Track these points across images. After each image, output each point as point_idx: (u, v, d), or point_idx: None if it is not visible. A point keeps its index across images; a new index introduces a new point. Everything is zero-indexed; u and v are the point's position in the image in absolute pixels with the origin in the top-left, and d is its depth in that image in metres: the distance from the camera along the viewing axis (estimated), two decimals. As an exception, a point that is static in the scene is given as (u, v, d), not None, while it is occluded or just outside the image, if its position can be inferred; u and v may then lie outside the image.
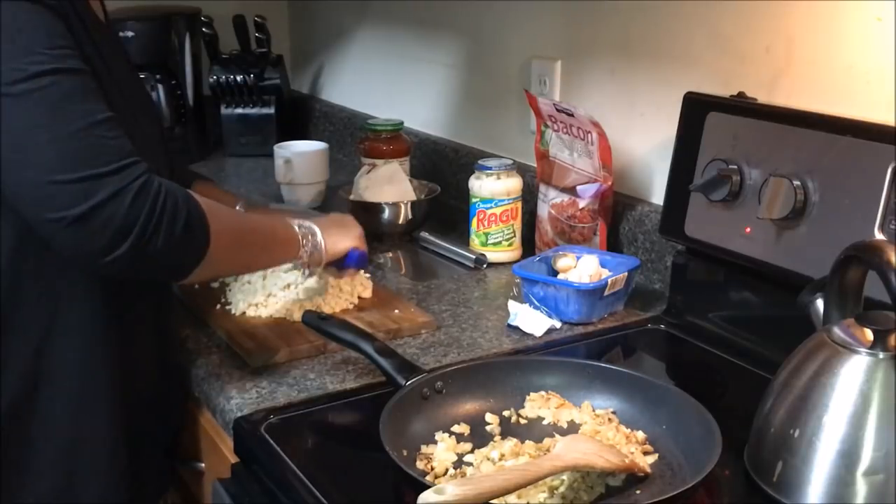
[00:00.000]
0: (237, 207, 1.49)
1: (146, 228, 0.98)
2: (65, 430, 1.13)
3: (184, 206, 1.02)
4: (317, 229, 1.28)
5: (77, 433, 1.14)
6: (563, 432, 1.06)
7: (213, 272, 1.10)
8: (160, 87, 2.32)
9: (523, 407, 1.11)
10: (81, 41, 1.06)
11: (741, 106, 1.30)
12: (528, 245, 1.67)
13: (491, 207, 1.62)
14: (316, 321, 1.24)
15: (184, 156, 2.33)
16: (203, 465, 1.33)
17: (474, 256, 1.63)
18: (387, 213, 1.75)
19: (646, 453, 1.01)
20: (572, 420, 1.08)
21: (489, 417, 1.09)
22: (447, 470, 0.98)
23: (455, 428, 1.06)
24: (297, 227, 1.25)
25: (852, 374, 0.89)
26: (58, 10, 1.00)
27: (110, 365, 1.15)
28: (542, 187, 1.63)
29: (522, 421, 1.09)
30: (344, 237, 1.33)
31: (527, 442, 1.02)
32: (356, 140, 2.10)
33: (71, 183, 0.96)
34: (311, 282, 1.42)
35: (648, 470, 0.97)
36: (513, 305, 1.39)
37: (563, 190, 1.58)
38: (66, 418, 1.13)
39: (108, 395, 1.15)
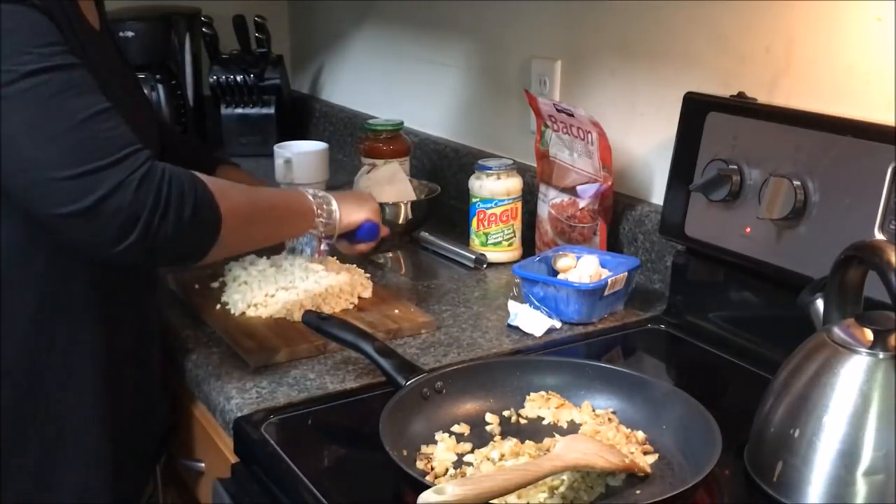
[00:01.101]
0: None
1: (153, 217, 0.99)
2: (46, 429, 1.14)
3: (191, 190, 1.03)
4: (332, 199, 1.30)
5: (56, 433, 1.15)
6: (563, 432, 1.06)
7: (231, 250, 1.13)
8: (160, 87, 2.32)
9: (523, 407, 1.11)
10: (68, 43, 1.06)
11: (741, 106, 1.30)
12: (528, 245, 1.68)
13: (491, 207, 1.62)
14: (316, 321, 1.24)
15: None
16: (203, 465, 1.33)
17: (474, 256, 1.63)
18: (387, 213, 1.74)
19: (646, 453, 1.01)
20: (572, 420, 1.08)
21: (489, 417, 1.09)
22: (447, 470, 0.98)
23: (455, 428, 1.06)
24: (311, 198, 1.27)
25: (852, 374, 0.89)
26: (42, 8, 1.00)
27: (92, 365, 1.16)
28: (542, 187, 1.63)
29: (522, 421, 1.09)
30: (359, 209, 1.35)
31: (527, 442, 1.02)
32: (356, 140, 2.10)
33: (73, 179, 0.96)
34: (311, 282, 1.42)
35: (648, 470, 0.97)
36: (513, 305, 1.39)
37: (563, 190, 1.58)
38: (49, 416, 1.14)
39: (91, 395, 1.16)
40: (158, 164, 1.02)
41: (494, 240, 1.63)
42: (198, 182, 1.05)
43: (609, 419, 1.07)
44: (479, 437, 1.05)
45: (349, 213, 1.32)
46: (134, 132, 1.16)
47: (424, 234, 1.74)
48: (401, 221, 1.76)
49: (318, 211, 1.27)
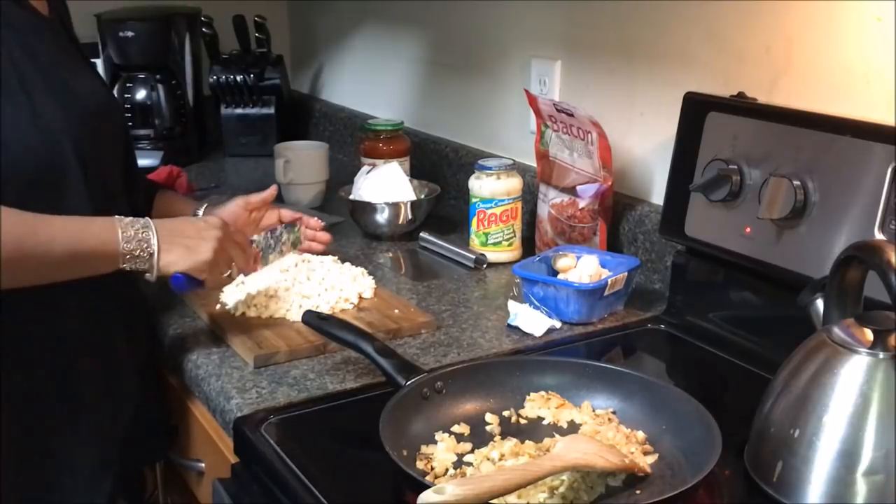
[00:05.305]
0: (199, 211, 1.46)
1: None
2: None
3: None
4: (154, 242, 1.16)
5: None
6: (563, 432, 1.06)
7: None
8: (160, 87, 2.32)
9: (523, 407, 1.11)
10: None
11: (741, 106, 1.30)
12: (528, 245, 1.68)
13: (491, 207, 1.62)
14: (316, 321, 1.24)
15: (184, 156, 2.33)
16: (203, 465, 1.33)
17: (474, 256, 1.63)
18: (387, 213, 1.75)
19: (646, 453, 1.01)
20: (572, 420, 1.08)
21: (489, 417, 1.09)
22: (447, 470, 0.98)
23: (455, 428, 1.06)
24: (121, 243, 1.13)
25: (852, 374, 0.90)
26: None
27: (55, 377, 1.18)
28: (542, 187, 1.63)
29: (522, 421, 1.09)
30: (184, 257, 1.19)
31: (527, 442, 1.02)
32: (356, 140, 2.10)
33: None
34: (310, 282, 1.43)
35: (648, 470, 0.97)
36: (513, 305, 1.39)
37: (563, 190, 1.58)
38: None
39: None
40: None
41: (494, 240, 1.63)
42: None
43: (609, 419, 1.07)
44: (479, 437, 1.05)
45: (167, 258, 1.17)
46: (80, 116, 1.16)
47: (424, 234, 1.74)
48: (401, 221, 1.76)
49: (122, 261, 1.14)
